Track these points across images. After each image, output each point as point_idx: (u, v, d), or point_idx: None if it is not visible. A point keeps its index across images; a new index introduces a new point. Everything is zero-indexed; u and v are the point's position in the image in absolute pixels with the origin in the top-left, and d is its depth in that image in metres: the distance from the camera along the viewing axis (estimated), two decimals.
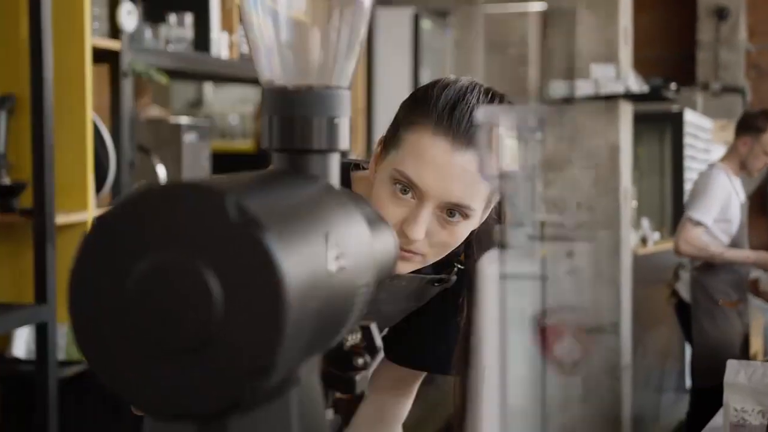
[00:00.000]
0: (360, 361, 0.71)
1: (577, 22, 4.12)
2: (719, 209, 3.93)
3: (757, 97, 7.42)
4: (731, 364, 1.80)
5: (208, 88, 5.40)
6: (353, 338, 0.72)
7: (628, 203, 4.21)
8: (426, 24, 4.96)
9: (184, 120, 3.14)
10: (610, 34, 4.10)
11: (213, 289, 0.51)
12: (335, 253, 0.58)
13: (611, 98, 4.05)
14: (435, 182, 1.12)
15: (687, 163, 5.97)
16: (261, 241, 0.50)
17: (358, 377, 0.71)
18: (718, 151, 5.60)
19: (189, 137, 3.08)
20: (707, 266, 3.92)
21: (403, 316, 1.33)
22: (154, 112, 4.40)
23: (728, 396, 1.77)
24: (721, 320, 3.91)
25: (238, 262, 0.51)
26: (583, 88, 4.05)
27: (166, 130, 3.07)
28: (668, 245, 4.35)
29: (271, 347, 0.51)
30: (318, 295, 0.55)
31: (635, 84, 4.23)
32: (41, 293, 2.29)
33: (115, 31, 2.62)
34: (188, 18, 3.03)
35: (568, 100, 4.10)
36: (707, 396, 2.90)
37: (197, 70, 3.18)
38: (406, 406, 1.43)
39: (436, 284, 1.29)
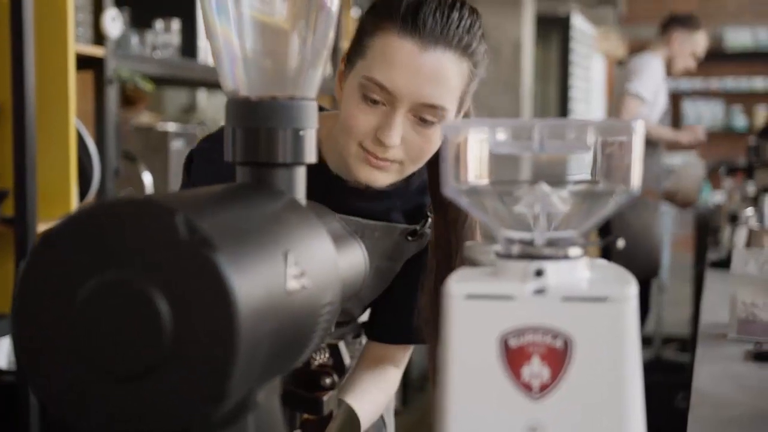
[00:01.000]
0: (327, 380, 0.69)
1: None
2: (654, 89, 3.99)
3: (630, 10, 7.44)
4: (739, 254, 1.58)
5: (202, 94, 5.37)
6: (320, 357, 0.69)
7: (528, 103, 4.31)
8: None
9: (171, 127, 3.11)
10: None
11: (162, 310, 0.48)
12: (295, 271, 0.55)
13: None
14: (406, 84, 1.10)
15: (571, 69, 5.94)
16: (211, 260, 0.48)
17: (325, 398, 0.69)
18: (597, 61, 5.53)
19: (177, 144, 3.05)
20: None
21: (379, 286, 1.31)
22: (144, 118, 4.37)
23: (736, 289, 1.56)
24: (642, 210, 3.96)
25: (188, 282, 0.48)
26: None
27: (154, 137, 3.04)
28: None
29: (223, 372, 0.49)
30: (275, 315, 0.52)
31: None
32: None
33: (99, 38, 2.59)
34: (175, 24, 3.01)
35: None
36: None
37: (184, 76, 3.14)
38: (397, 375, 1.41)
39: (409, 238, 1.28)
